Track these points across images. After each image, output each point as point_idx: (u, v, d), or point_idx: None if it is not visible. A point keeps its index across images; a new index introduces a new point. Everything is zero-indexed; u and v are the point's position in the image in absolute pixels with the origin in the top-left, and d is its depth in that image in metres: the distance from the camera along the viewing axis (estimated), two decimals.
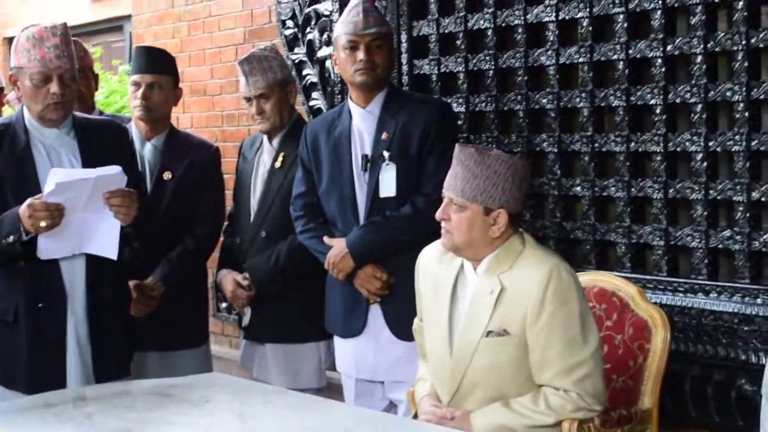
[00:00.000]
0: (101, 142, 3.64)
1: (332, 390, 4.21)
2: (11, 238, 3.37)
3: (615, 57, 3.87)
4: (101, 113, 4.64)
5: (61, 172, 3.38)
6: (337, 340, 3.98)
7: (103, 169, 3.38)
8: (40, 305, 3.49)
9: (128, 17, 7.50)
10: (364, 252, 3.77)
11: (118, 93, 7.55)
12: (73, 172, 3.44)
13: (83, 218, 3.40)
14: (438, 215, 3.06)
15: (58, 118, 3.54)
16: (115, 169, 3.39)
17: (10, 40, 13.16)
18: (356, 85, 3.85)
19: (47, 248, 3.42)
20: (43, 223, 3.32)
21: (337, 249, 3.79)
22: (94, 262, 3.54)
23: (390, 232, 3.75)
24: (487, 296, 2.99)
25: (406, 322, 3.48)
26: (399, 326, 3.71)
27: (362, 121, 3.87)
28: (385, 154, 3.78)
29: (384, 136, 3.81)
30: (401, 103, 3.88)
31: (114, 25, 9.00)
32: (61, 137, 3.58)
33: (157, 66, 4.24)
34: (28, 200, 3.34)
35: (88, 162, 3.53)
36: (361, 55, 3.79)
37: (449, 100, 4.30)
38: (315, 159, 3.96)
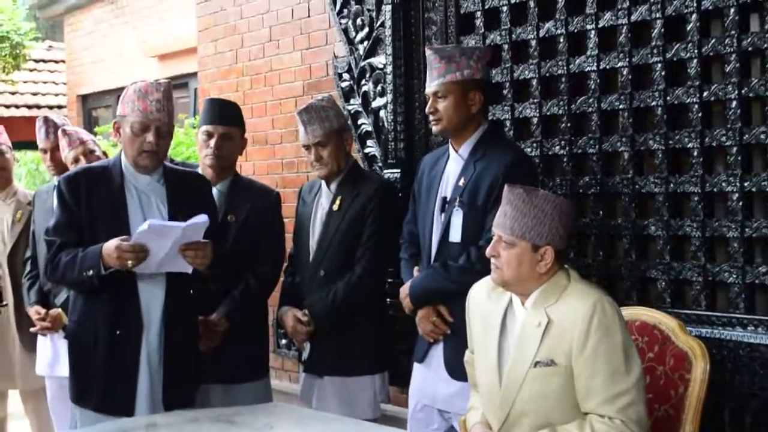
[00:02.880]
0: (187, 192, 3.87)
1: (386, 421, 4.30)
2: (91, 272, 3.60)
3: (653, 103, 3.95)
4: (172, 161, 4.81)
5: (155, 222, 3.59)
6: (414, 366, 4.08)
7: (192, 220, 3.59)
8: (118, 332, 3.70)
9: (193, 75, 7.76)
10: (419, 296, 3.91)
11: (184, 144, 8.00)
12: (166, 223, 3.64)
13: (165, 252, 3.61)
14: (488, 252, 3.12)
15: (151, 165, 3.78)
16: (201, 218, 3.59)
17: (83, 98, 13.51)
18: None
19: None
20: (130, 263, 3.56)
21: (405, 287, 3.96)
22: (171, 298, 3.75)
23: (442, 280, 3.84)
24: (534, 328, 3.03)
25: (461, 362, 3.52)
26: (454, 366, 3.78)
27: (454, 163, 3.93)
28: (457, 199, 3.84)
29: (461, 181, 3.84)
30: (485, 149, 3.85)
31: (180, 82, 9.48)
32: (152, 184, 3.82)
33: (230, 118, 4.41)
34: (115, 242, 3.57)
35: (173, 208, 3.78)
36: (427, 107, 3.92)
37: None
38: (418, 191, 4.08)
